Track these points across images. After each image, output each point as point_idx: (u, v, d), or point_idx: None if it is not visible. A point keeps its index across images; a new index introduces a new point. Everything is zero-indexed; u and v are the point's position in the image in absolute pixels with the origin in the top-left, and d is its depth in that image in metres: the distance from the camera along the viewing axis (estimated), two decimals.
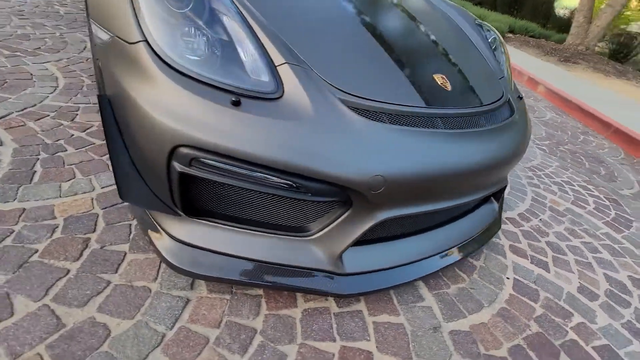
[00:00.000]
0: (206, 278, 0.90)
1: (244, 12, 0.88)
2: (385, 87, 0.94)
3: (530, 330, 1.13)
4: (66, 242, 1.03)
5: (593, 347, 1.13)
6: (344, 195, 0.86)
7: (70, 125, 1.56)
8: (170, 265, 0.90)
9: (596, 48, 8.35)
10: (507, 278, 1.32)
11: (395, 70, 1.00)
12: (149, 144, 0.79)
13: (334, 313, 1.02)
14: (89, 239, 1.06)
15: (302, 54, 0.87)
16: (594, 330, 1.19)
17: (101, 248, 1.04)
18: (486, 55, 1.41)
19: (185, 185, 0.83)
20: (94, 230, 1.09)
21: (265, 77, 0.81)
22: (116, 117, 0.91)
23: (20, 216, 1.08)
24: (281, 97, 0.81)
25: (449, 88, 1.06)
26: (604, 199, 2.14)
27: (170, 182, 0.82)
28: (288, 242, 0.94)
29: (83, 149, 1.43)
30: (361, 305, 1.06)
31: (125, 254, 1.04)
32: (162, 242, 0.93)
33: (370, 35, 1.09)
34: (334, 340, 0.95)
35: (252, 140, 0.75)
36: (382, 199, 0.85)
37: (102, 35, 0.88)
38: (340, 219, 0.90)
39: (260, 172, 0.78)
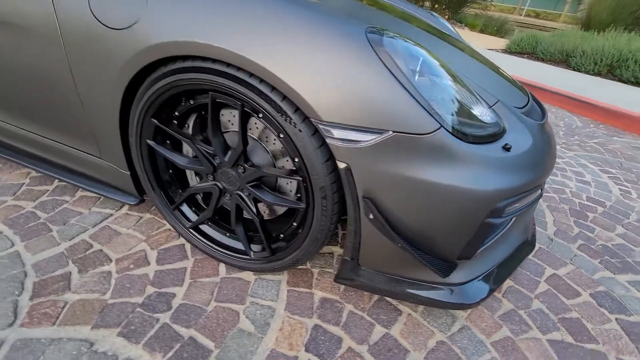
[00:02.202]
0: (489, 295, 1.04)
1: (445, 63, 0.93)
2: (507, 94, 1.20)
3: (577, 205, 1.78)
4: None
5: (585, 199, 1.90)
6: None
7: (128, 274, 1.09)
8: (466, 307, 0.99)
9: None
10: None
11: (497, 77, 1.26)
12: (460, 216, 0.83)
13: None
14: (350, 348, 0.96)
15: (489, 91, 1.02)
16: (576, 191, 1.97)
17: (369, 350, 0.97)
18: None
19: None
20: (340, 346, 0.97)
21: (492, 119, 0.94)
22: (384, 213, 0.84)
23: None
24: (506, 130, 0.97)
25: (510, 78, 1.41)
26: None
27: (476, 238, 0.89)
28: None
29: (190, 281, 1.08)
30: None
31: (388, 333, 1.01)
32: (446, 295, 0.98)
33: (463, 56, 1.28)
34: (537, 284, 1.29)
35: (526, 172, 0.91)
36: None
37: (358, 137, 0.75)
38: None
39: (527, 193, 0.96)
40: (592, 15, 6.50)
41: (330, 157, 0.83)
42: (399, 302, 1.12)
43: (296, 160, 0.91)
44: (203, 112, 1.01)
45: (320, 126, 0.77)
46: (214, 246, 1.12)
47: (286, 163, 1.00)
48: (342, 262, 0.97)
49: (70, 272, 1.07)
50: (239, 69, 0.79)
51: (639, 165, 2.44)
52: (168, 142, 1.05)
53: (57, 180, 1.47)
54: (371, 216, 0.86)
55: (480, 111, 0.91)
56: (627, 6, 6.06)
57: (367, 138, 0.77)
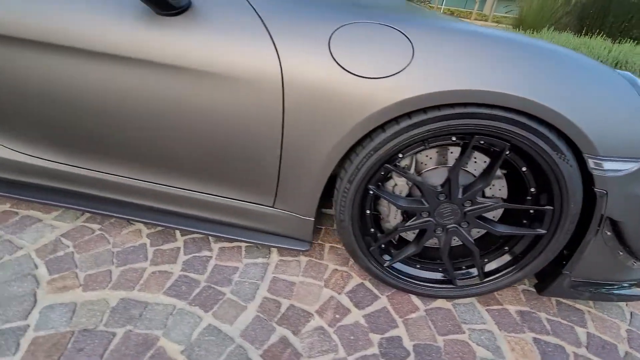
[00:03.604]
0: None
1: None
2: None
3: None
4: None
5: None
6: None
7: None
8: None
9: None
10: None
11: None
12: None
13: None
14: (575, 354, 1.04)
15: None
16: None
17: (590, 351, 1.06)
18: None
19: None
20: (566, 352, 1.05)
21: None
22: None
23: None
24: None
25: None
26: None
27: None
28: None
29: (401, 320, 1.06)
30: None
31: (589, 332, 1.12)
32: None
33: None
34: None
35: None
36: None
37: (620, 166, 0.83)
38: None
39: None
40: (522, 16, 7.47)
41: (585, 186, 0.91)
42: (575, 302, 1.24)
43: (532, 190, 0.97)
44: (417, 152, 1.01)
45: (591, 160, 0.84)
46: (413, 281, 1.12)
47: (498, 192, 1.05)
48: (561, 276, 1.05)
49: (285, 336, 0.98)
50: (518, 112, 0.82)
51: None
52: (380, 184, 1.02)
53: (178, 233, 1.30)
54: (608, 233, 0.95)
55: None
56: (548, 10, 7.10)
57: (628, 167, 0.86)
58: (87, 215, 1.34)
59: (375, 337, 1.02)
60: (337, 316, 1.07)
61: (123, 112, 0.99)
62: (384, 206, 1.09)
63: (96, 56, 0.92)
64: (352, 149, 0.94)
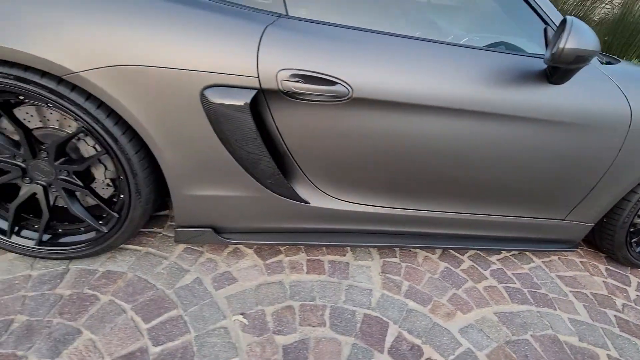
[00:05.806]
0: None
1: None
2: None
3: None
4: None
5: None
6: None
7: None
8: None
9: None
10: None
11: None
12: None
13: None
14: None
15: None
16: None
17: None
18: None
19: None
20: None
21: None
22: None
23: None
24: None
25: None
26: None
27: None
28: None
29: None
30: None
31: None
32: None
33: None
34: None
35: None
36: None
37: None
38: None
39: None
40: None
41: None
42: None
43: None
44: None
45: None
46: None
47: None
48: None
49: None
50: None
51: None
52: None
53: (453, 252, 1.49)
54: None
55: None
56: None
57: None
58: (372, 250, 1.44)
59: None
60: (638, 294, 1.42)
61: (484, 159, 1.18)
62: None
63: (479, 115, 1.11)
64: None
